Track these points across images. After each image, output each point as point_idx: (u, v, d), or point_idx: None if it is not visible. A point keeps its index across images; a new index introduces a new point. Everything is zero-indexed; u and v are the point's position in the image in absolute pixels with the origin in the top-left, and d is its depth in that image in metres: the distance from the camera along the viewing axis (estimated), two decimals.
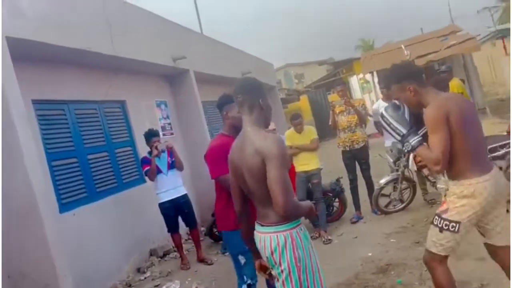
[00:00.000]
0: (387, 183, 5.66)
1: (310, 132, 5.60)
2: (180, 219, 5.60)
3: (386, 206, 5.75)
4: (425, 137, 2.47)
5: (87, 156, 5.45)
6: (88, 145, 5.53)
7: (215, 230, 6.07)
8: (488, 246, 2.60)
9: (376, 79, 14.04)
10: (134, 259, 5.70)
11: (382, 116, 2.65)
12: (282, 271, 2.13)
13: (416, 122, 2.56)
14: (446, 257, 2.48)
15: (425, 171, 5.12)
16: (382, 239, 4.87)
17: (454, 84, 6.15)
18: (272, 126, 4.28)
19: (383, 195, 5.73)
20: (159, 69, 7.20)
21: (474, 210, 2.35)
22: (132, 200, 5.96)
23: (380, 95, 7.17)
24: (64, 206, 4.85)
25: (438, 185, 4.93)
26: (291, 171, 5.30)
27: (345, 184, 5.99)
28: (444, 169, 2.39)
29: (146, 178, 5.62)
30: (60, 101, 5.21)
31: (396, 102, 2.68)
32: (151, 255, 6.00)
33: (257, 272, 2.49)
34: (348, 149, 5.82)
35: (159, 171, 5.35)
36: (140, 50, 6.27)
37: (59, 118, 5.17)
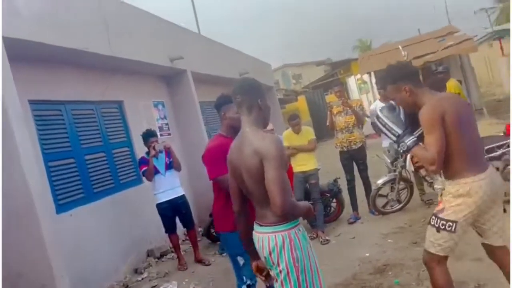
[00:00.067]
0: (384, 184, 5.67)
1: (308, 133, 5.60)
2: (177, 219, 5.59)
3: (384, 206, 5.76)
4: (421, 138, 2.47)
5: (84, 157, 5.44)
6: (85, 145, 5.51)
7: (212, 230, 6.06)
8: (486, 246, 2.60)
9: (373, 80, 14.06)
10: (131, 259, 5.68)
11: (378, 117, 2.66)
12: (280, 271, 2.13)
13: (412, 123, 2.57)
14: (445, 257, 2.48)
15: (422, 172, 5.12)
16: (379, 240, 4.87)
17: (451, 84, 6.15)
18: (270, 126, 4.28)
19: (381, 195, 5.74)
20: (156, 70, 7.18)
21: (470, 209, 2.36)
22: (129, 200, 5.95)
23: (378, 96, 7.19)
24: (61, 207, 4.84)
25: (435, 186, 4.95)
26: (289, 171, 5.30)
27: (343, 184, 6.00)
28: (440, 169, 2.40)
29: (144, 178, 5.61)
30: (57, 102, 5.20)
31: (393, 103, 2.69)
32: (148, 255, 5.99)
33: (254, 274, 2.49)
34: (345, 149, 5.82)
35: (156, 172, 5.33)
36: (137, 50, 6.26)
37: (56, 118, 5.16)
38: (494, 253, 2.57)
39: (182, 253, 5.75)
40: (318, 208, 5.40)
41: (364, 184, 5.95)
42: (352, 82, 17.94)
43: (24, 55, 4.49)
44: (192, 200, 6.65)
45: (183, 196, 5.54)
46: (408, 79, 2.49)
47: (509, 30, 16.43)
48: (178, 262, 5.56)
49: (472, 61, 14.31)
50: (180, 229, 5.78)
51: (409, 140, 2.48)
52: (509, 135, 4.93)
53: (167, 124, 7.52)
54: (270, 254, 2.15)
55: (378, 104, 5.66)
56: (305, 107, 19.69)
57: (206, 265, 5.41)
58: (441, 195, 2.50)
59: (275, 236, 2.13)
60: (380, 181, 5.67)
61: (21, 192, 3.74)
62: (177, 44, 7.58)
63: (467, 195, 2.35)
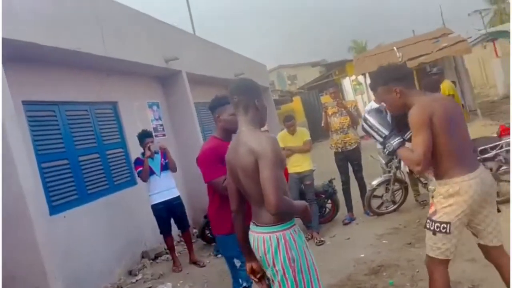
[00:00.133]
0: (379, 185, 5.69)
1: (303, 134, 5.60)
2: (172, 221, 5.56)
3: (379, 207, 5.78)
4: (410, 140, 2.48)
5: (78, 158, 5.40)
6: (79, 146, 5.48)
7: (207, 232, 6.05)
8: (481, 247, 2.60)
9: (368, 81, 14.09)
10: (126, 261, 5.66)
11: (365, 119, 2.68)
12: (276, 272, 2.13)
13: (400, 126, 2.57)
14: (445, 261, 2.46)
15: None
16: (374, 240, 4.88)
17: (446, 86, 6.18)
18: (264, 127, 4.28)
19: (375, 196, 5.75)
20: (151, 70, 7.16)
21: (462, 208, 2.36)
22: (123, 202, 5.92)
23: (372, 97, 7.20)
24: (55, 209, 4.80)
25: (430, 187, 4.96)
26: (284, 172, 5.29)
27: (338, 185, 6.01)
28: (425, 170, 2.42)
29: (138, 179, 5.59)
30: (50, 102, 5.17)
31: (384, 104, 2.70)
32: (142, 257, 5.96)
33: (248, 275, 2.48)
34: (340, 150, 5.83)
35: (152, 173, 5.31)
36: (132, 51, 6.23)
37: (49, 119, 5.12)
38: (490, 253, 2.57)
39: (177, 254, 5.73)
40: (313, 209, 5.40)
41: (359, 185, 5.96)
42: (347, 83, 17.98)
43: (18, 55, 4.46)
44: (187, 201, 6.63)
45: (178, 197, 5.52)
46: (399, 81, 2.50)
47: (502, 32, 16.58)
48: (172, 263, 5.54)
49: (466, 62, 14.40)
50: (174, 230, 5.76)
51: (394, 141, 2.50)
52: (503, 136, 4.95)
53: (161, 125, 7.50)
54: (265, 254, 2.15)
55: (373, 105, 5.67)
56: (300, 108, 19.72)
57: (201, 266, 5.40)
58: (432, 197, 2.51)
59: (269, 236, 2.13)
60: (375, 182, 5.68)
61: (14, 194, 3.71)
62: (172, 44, 7.56)
63: (457, 194, 2.35)
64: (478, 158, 4.73)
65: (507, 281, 2.52)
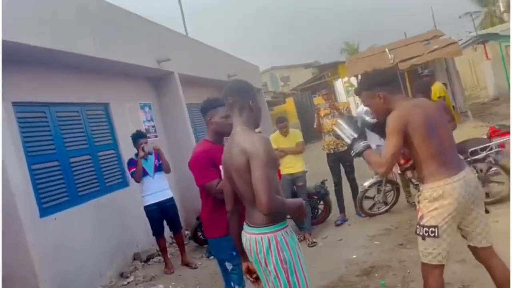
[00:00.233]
0: (371, 186, 5.72)
1: (296, 135, 5.62)
2: (164, 222, 5.54)
3: (370, 208, 5.80)
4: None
5: (69, 159, 5.36)
6: (70, 148, 5.43)
7: (199, 233, 6.03)
8: (471, 249, 2.62)
9: None
10: (117, 263, 5.62)
11: (337, 123, 2.79)
12: (269, 272, 2.14)
13: (383, 131, 2.63)
14: (439, 266, 2.46)
15: (408, 174, 5.18)
16: (366, 242, 4.90)
17: (437, 88, 6.23)
18: (258, 128, 4.28)
19: (367, 197, 5.78)
20: (143, 71, 7.13)
21: (448, 211, 2.38)
22: (115, 203, 5.88)
23: None
24: (45, 211, 4.75)
25: (421, 188, 4.99)
26: (277, 174, 5.30)
27: (330, 186, 6.02)
28: (388, 173, 2.54)
29: (131, 181, 5.56)
30: (41, 103, 5.11)
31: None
32: (134, 259, 5.93)
33: (244, 275, 2.49)
34: (332, 151, 5.85)
35: (145, 174, 5.28)
36: (124, 52, 6.20)
37: (40, 120, 5.07)
38: (480, 254, 2.59)
39: (169, 256, 5.70)
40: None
41: (351, 186, 5.98)
42: (339, 84, 18.08)
43: (8, 56, 4.41)
44: (179, 202, 6.60)
45: (171, 199, 5.50)
46: (383, 86, 2.55)
47: (493, 34, 16.76)
48: (165, 265, 5.52)
49: (457, 64, 14.53)
50: (167, 232, 5.73)
51: (361, 144, 2.59)
52: (493, 138, 5.00)
53: (153, 126, 7.47)
54: (257, 255, 2.15)
55: (364, 107, 5.70)
56: (293, 109, 19.77)
57: (193, 268, 5.38)
58: (418, 202, 2.53)
59: (261, 237, 2.13)
60: (366, 183, 5.71)
61: (4, 196, 3.68)
62: (164, 45, 7.53)
63: (441, 197, 2.38)
64: (469, 159, 4.78)
65: (497, 282, 2.54)
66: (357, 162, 6.11)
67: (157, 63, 7.12)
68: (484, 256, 2.57)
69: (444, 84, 8.60)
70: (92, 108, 6.05)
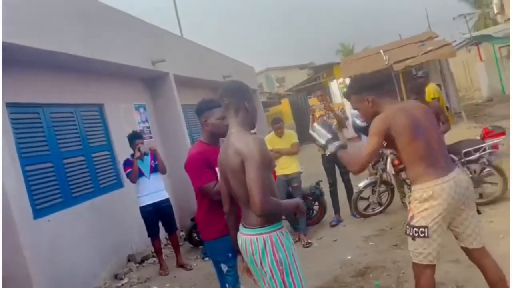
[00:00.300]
0: (365, 187, 5.73)
1: (291, 136, 5.62)
2: (160, 223, 5.52)
3: (365, 209, 5.82)
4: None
5: (63, 161, 5.33)
6: (64, 149, 5.41)
7: (194, 235, 6.01)
8: (463, 249, 2.64)
9: None
10: (111, 265, 5.59)
11: (313, 126, 2.89)
12: (265, 273, 2.14)
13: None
14: (430, 266, 2.47)
15: (403, 175, 5.20)
16: (361, 242, 4.91)
17: (431, 89, 6.27)
18: (252, 130, 4.28)
19: (362, 198, 5.79)
20: (138, 72, 7.11)
21: (438, 212, 2.40)
22: (109, 205, 5.86)
23: None
24: (39, 212, 4.73)
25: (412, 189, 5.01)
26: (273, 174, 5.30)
27: (325, 187, 6.03)
28: (361, 171, 2.61)
29: (125, 182, 5.53)
30: (34, 104, 5.09)
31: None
32: (129, 261, 5.91)
33: (244, 274, 2.50)
34: (327, 153, 5.84)
35: (141, 174, 5.26)
36: (118, 52, 6.18)
37: (33, 121, 5.05)
38: (472, 255, 2.60)
39: (164, 257, 5.68)
40: None
41: (346, 187, 5.99)
42: (334, 86, 18.07)
43: (1, 57, 4.38)
44: (174, 203, 6.57)
45: (167, 200, 5.48)
46: (371, 90, 2.60)
47: (486, 36, 16.87)
48: (159, 267, 5.50)
49: (451, 66, 14.60)
50: (162, 233, 5.71)
51: (334, 144, 2.70)
52: (486, 138, 5.04)
53: (148, 127, 7.45)
54: (253, 255, 2.16)
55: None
56: (288, 110, 19.77)
57: (188, 269, 5.36)
58: (409, 202, 2.56)
59: (256, 238, 2.14)
60: (361, 184, 5.73)
61: None
62: (159, 46, 7.52)
63: (431, 198, 2.40)
64: (462, 160, 4.81)
65: (490, 282, 2.55)
66: None
67: (152, 64, 7.10)
68: (476, 256, 2.59)
69: (438, 85, 8.64)
70: (86, 109, 6.03)
